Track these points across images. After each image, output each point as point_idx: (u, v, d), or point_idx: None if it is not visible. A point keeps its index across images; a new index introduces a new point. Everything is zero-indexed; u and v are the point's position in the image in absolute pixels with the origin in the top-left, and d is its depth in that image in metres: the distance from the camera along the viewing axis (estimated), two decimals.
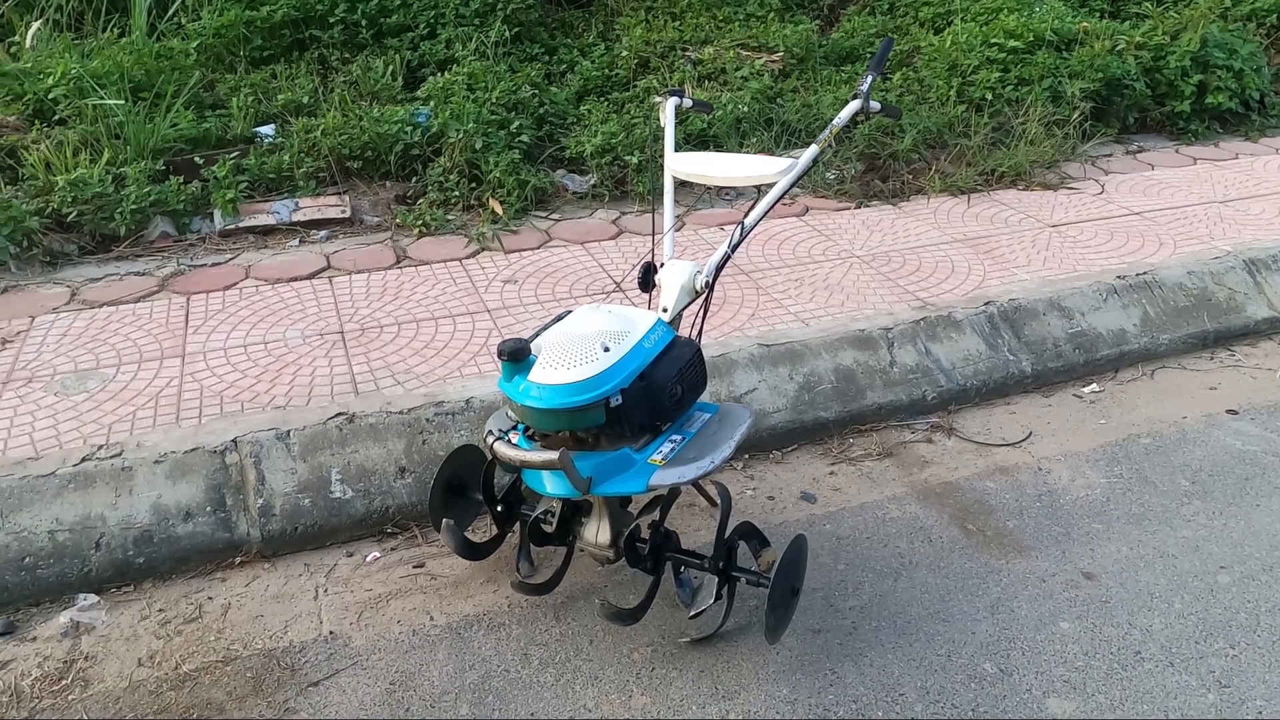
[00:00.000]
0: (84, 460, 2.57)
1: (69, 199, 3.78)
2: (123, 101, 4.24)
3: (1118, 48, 5.33)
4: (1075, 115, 5.05)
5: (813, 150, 2.46)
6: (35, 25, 4.90)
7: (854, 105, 2.56)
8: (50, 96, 4.32)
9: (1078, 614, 2.37)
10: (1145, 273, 3.77)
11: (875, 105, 2.60)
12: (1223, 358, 3.61)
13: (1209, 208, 4.47)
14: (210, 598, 2.41)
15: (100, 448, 2.63)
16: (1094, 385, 3.42)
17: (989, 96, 5.04)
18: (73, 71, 4.32)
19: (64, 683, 2.15)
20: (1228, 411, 3.25)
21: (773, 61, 5.33)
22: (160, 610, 2.37)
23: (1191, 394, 3.36)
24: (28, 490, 2.48)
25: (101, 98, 4.23)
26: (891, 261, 3.90)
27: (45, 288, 3.62)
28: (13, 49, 4.87)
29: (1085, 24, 5.51)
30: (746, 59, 5.28)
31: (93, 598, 2.38)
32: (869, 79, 2.57)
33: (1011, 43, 5.23)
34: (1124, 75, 5.24)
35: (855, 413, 3.14)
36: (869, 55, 5.58)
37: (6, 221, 3.66)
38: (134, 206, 3.85)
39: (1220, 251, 3.96)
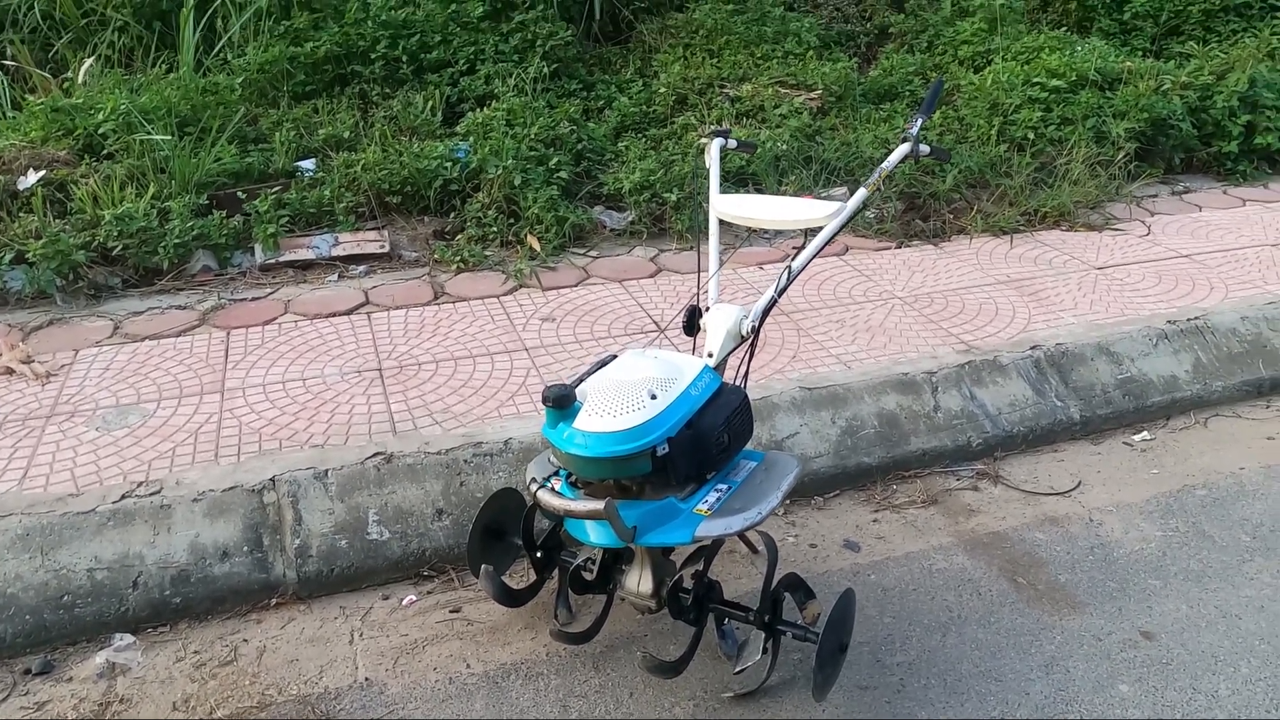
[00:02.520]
0: (124, 497, 2.56)
1: (115, 233, 3.82)
2: (169, 136, 4.30)
3: (1163, 87, 5.27)
4: (1120, 155, 4.98)
5: (861, 194, 2.43)
6: (88, 62, 5.00)
7: (904, 149, 2.52)
8: (100, 131, 4.39)
9: (1137, 676, 2.27)
10: (1196, 317, 3.68)
11: (925, 149, 2.55)
12: (1279, 407, 3.50)
13: (1260, 250, 4.38)
14: (245, 640, 2.38)
15: (140, 484, 2.63)
16: (1145, 433, 3.33)
17: (1031, 136, 4.98)
18: (122, 107, 4.40)
19: None
20: None
21: (811, 99, 5.32)
22: (195, 652, 2.34)
23: (1248, 444, 3.26)
24: (68, 527, 2.47)
25: (149, 133, 4.30)
26: (934, 303, 3.84)
27: (89, 321, 3.65)
28: (66, 85, 4.97)
29: (1129, 63, 5.45)
30: (785, 96, 5.27)
31: (129, 638, 2.36)
32: (918, 121, 2.53)
33: (1054, 82, 5.19)
34: (1170, 115, 5.17)
35: (899, 458, 3.07)
36: (908, 94, 5.56)
37: (55, 255, 3.70)
38: (177, 240, 3.89)
39: (1275, 296, 3.86)
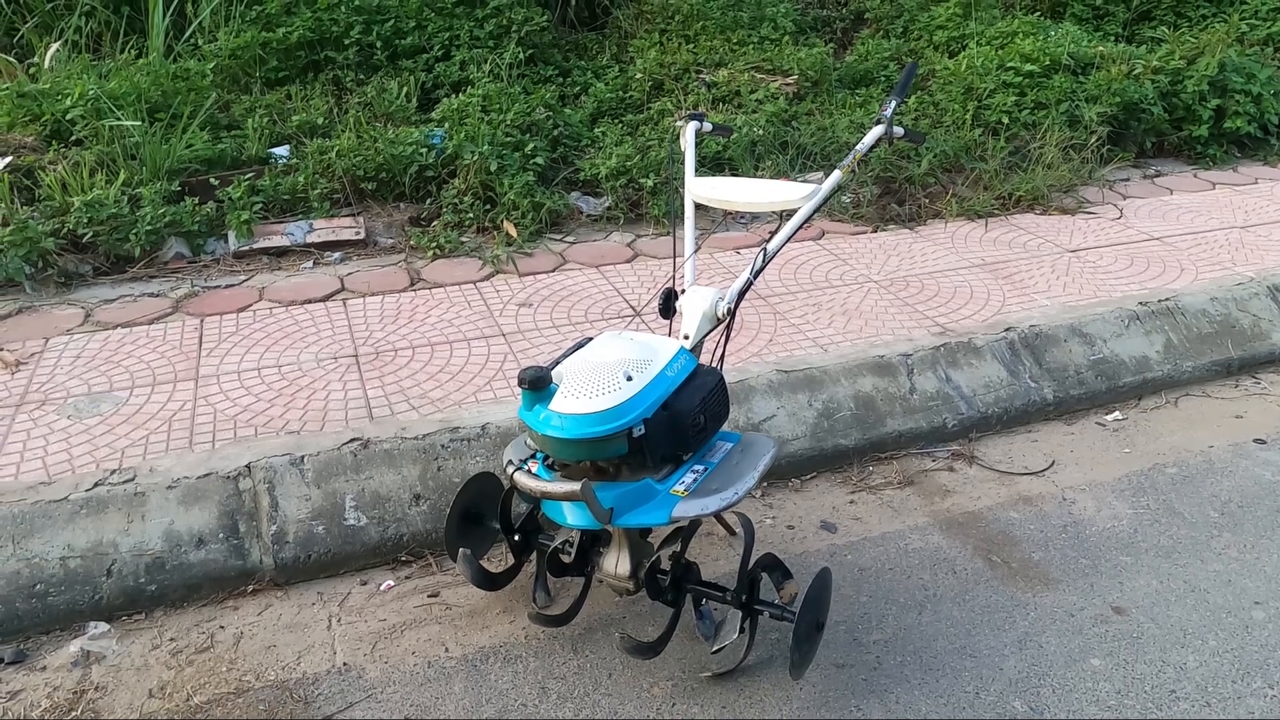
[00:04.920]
0: (97, 485, 2.54)
1: (85, 220, 3.77)
2: (139, 122, 4.25)
3: (1135, 72, 5.31)
4: (1093, 139, 5.03)
5: (836, 177, 2.44)
6: (54, 47, 4.92)
7: (877, 131, 2.53)
8: (67, 117, 4.33)
9: (1108, 650, 2.31)
10: (1167, 299, 3.72)
11: (899, 131, 2.56)
12: (1248, 386, 3.55)
13: (1230, 233, 4.43)
14: (222, 627, 2.37)
15: (113, 472, 2.60)
16: (1117, 413, 3.37)
17: (1005, 120, 5.02)
18: (90, 92, 4.33)
19: (74, 714, 2.11)
20: (1255, 441, 3.19)
21: (787, 84, 5.32)
22: (171, 639, 2.33)
23: (1217, 423, 3.31)
24: (40, 515, 2.45)
25: (118, 119, 4.24)
26: (910, 286, 3.87)
27: (60, 309, 3.61)
28: (31, 70, 4.89)
29: (1101, 48, 5.50)
30: (761, 82, 5.27)
31: (104, 626, 2.34)
32: (892, 104, 2.54)
33: (1028, 66, 5.22)
34: (1141, 99, 5.22)
35: (875, 440, 3.10)
36: (884, 79, 5.58)
37: (23, 242, 3.65)
38: (149, 227, 3.84)
39: (1243, 277, 3.92)
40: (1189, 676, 2.23)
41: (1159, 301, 3.70)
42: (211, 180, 4.20)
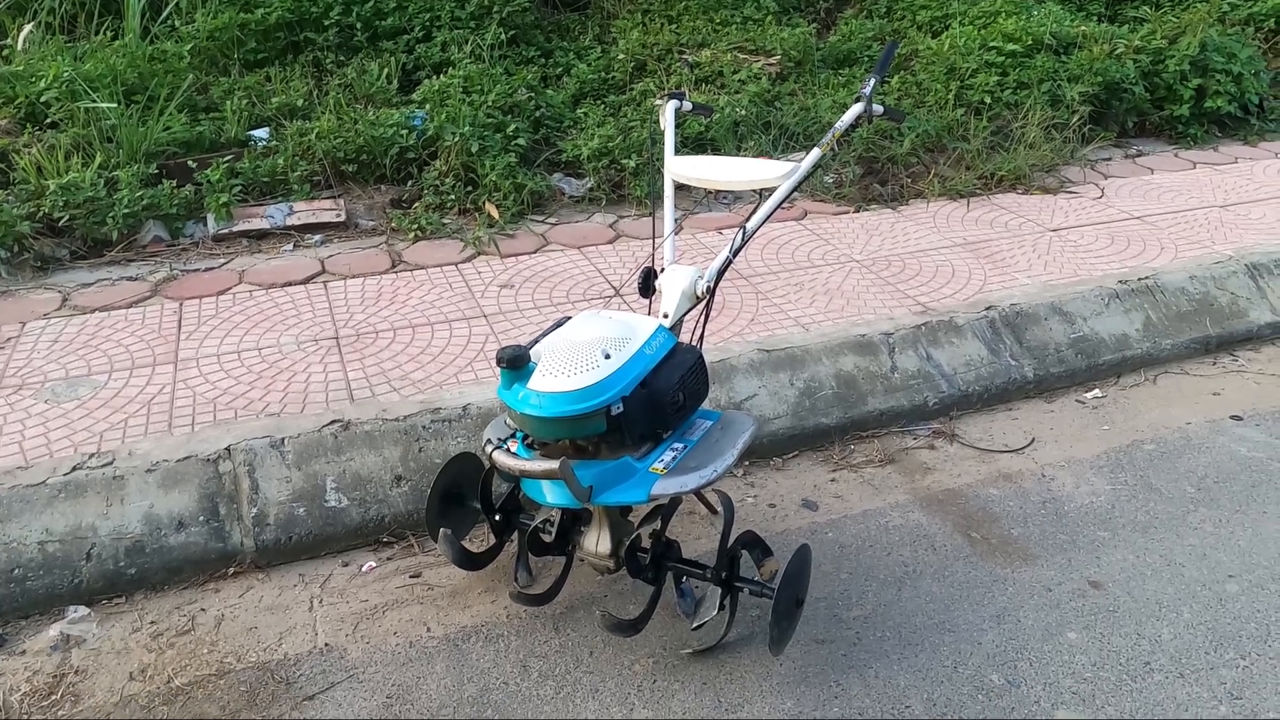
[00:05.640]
0: (75, 469, 2.53)
1: (60, 203, 3.73)
2: (115, 104, 4.20)
3: (1116, 51, 5.32)
4: (1074, 119, 5.03)
5: (815, 154, 2.43)
6: (27, 28, 4.85)
7: (857, 108, 2.53)
8: (42, 99, 4.27)
9: (1085, 624, 2.33)
10: (1147, 277, 3.74)
11: (878, 109, 2.56)
12: (1225, 363, 3.58)
13: (1209, 212, 4.45)
14: (203, 609, 2.37)
15: (91, 456, 2.59)
16: (1096, 391, 3.40)
17: (988, 100, 5.01)
18: (65, 74, 4.28)
19: (54, 698, 2.10)
20: (1232, 417, 3.22)
21: (770, 65, 5.31)
22: (152, 622, 2.32)
23: (1195, 400, 3.33)
24: (17, 500, 2.43)
25: (94, 101, 4.19)
26: (891, 266, 3.87)
27: (36, 293, 3.57)
28: (4, 51, 4.82)
29: (1083, 27, 5.50)
30: (744, 62, 5.25)
31: (83, 610, 2.33)
32: (872, 82, 2.53)
33: (1010, 46, 5.22)
34: (1123, 79, 5.23)
35: (856, 419, 3.11)
36: (867, 58, 5.57)
37: None
38: (126, 210, 3.81)
39: (1222, 256, 3.94)
40: (1163, 648, 2.26)
41: (1139, 280, 3.72)
42: (190, 163, 4.16)
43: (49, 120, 4.25)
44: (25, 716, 2.06)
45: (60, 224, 3.76)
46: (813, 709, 2.09)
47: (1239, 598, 2.42)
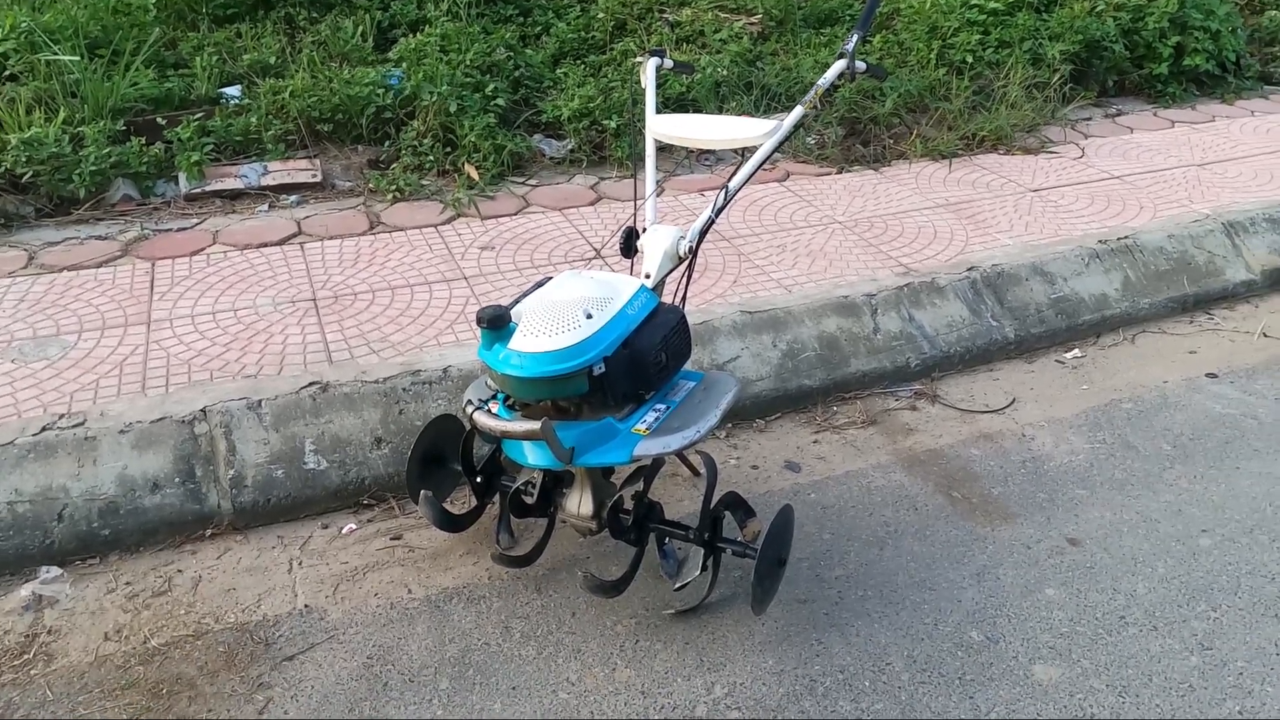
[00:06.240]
0: (44, 429, 2.48)
1: (23, 159, 3.63)
2: (78, 58, 4.08)
3: (1097, 9, 5.29)
4: (1055, 78, 5.01)
5: (797, 112, 2.39)
6: None
7: (839, 65, 2.48)
8: (0, 51, 4.14)
9: (1063, 580, 2.36)
10: (1126, 237, 3.75)
11: (861, 66, 2.52)
12: (1202, 321, 3.61)
13: (1187, 171, 4.46)
14: (180, 570, 2.34)
15: (61, 416, 2.54)
16: (1076, 350, 3.41)
17: (969, 59, 4.98)
18: (23, 25, 4.14)
19: (26, 657, 2.08)
20: (1207, 375, 3.25)
21: (751, 24, 5.24)
22: (127, 583, 2.30)
23: (1172, 358, 3.36)
24: None
25: (55, 53, 4.06)
26: (874, 227, 3.86)
27: (1, 251, 3.49)
28: None
29: None
30: (725, 21, 5.18)
31: (56, 570, 2.30)
32: (854, 38, 2.49)
33: (991, 4, 5.17)
34: (1103, 37, 5.20)
35: (839, 380, 3.11)
36: (849, 18, 5.51)
37: None
38: (93, 168, 3.72)
39: (1199, 215, 3.95)
40: (1138, 602, 2.29)
41: (1118, 240, 3.73)
42: (159, 120, 4.06)
43: (7, 73, 4.13)
44: None
45: (24, 180, 3.67)
46: (794, 666, 2.10)
47: (1211, 551, 2.45)
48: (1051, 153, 4.70)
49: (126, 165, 3.83)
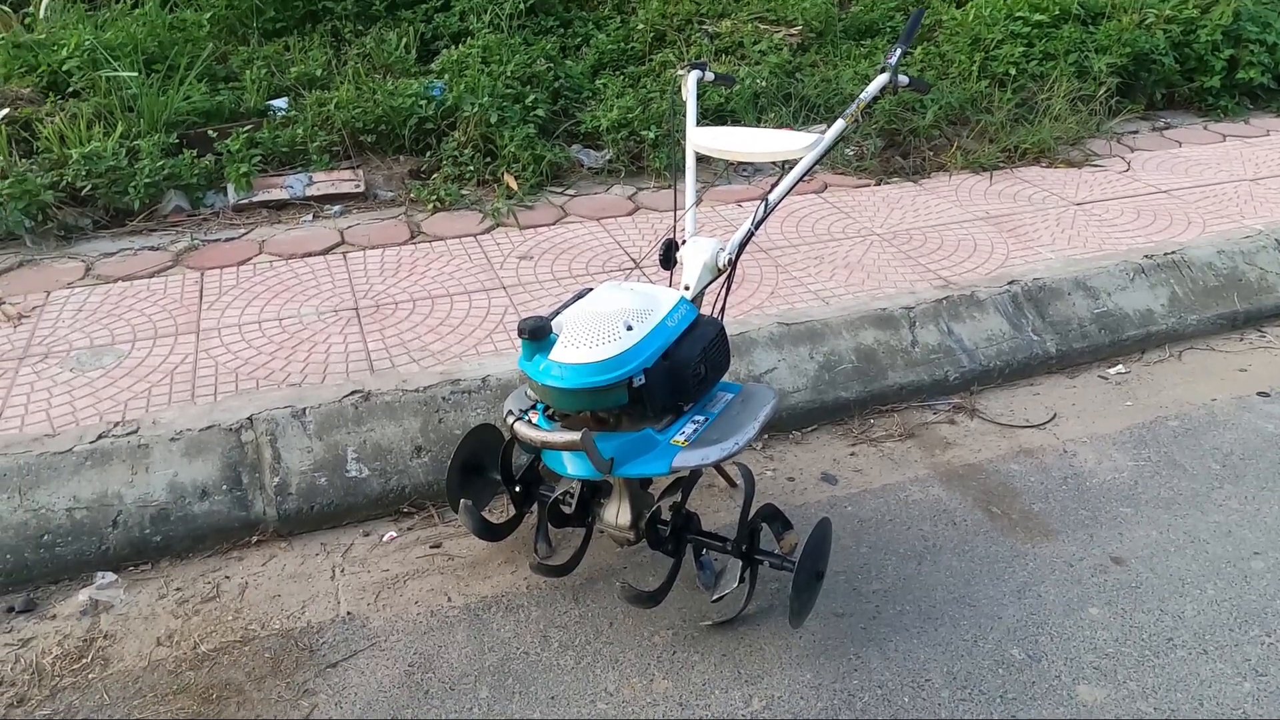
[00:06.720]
0: (100, 437, 2.55)
1: (83, 172, 3.75)
2: (136, 73, 4.20)
3: (1146, 21, 5.22)
4: (1101, 91, 4.95)
5: (839, 126, 2.40)
6: None
7: (882, 79, 2.49)
8: (64, 68, 4.28)
9: (1107, 599, 2.32)
10: (1173, 252, 3.69)
11: (904, 79, 2.51)
12: (1253, 339, 3.54)
13: (1239, 186, 4.38)
14: (227, 577, 2.40)
15: (116, 424, 2.61)
16: (1120, 366, 3.36)
17: (1012, 72, 4.94)
18: (86, 43, 4.28)
19: (84, 661, 2.14)
20: (1258, 394, 3.18)
21: (791, 35, 5.24)
22: (178, 589, 2.35)
23: (1221, 376, 3.30)
24: (46, 467, 2.46)
25: (115, 70, 4.18)
26: (913, 239, 3.84)
27: (60, 262, 3.59)
28: (27, 20, 4.82)
29: None
30: (764, 32, 5.19)
31: (111, 576, 2.37)
32: (897, 52, 2.49)
33: (1036, 16, 5.13)
34: (1152, 50, 5.13)
35: (876, 393, 3.09)
36: (890, 29, 5.49)
37: (22, 195, 3.63)
38: (148, 180, 3.82)
39: (1252, 231, 3.88)
40: (1186, 625, 2.25)
41: (1165, 254, 3.67)
42: (210, 133, 4.16)
43: (71, 89, 4.26)
44: (57, 678, 2.09)
45: (83, 193, 3.78)
46: (832, 681, 2.09)
47: (1264, 575, 2.40)
48: (1096, 166, 4.64)
49: (178, 177, 3.92)
